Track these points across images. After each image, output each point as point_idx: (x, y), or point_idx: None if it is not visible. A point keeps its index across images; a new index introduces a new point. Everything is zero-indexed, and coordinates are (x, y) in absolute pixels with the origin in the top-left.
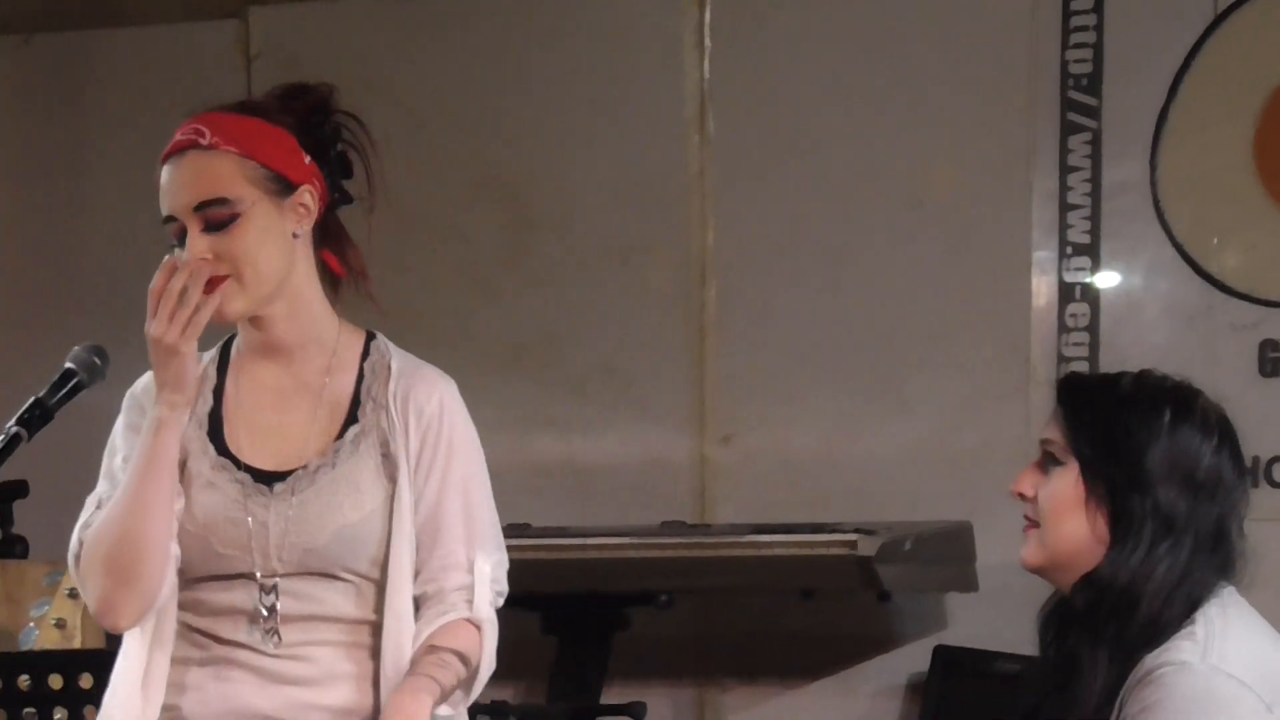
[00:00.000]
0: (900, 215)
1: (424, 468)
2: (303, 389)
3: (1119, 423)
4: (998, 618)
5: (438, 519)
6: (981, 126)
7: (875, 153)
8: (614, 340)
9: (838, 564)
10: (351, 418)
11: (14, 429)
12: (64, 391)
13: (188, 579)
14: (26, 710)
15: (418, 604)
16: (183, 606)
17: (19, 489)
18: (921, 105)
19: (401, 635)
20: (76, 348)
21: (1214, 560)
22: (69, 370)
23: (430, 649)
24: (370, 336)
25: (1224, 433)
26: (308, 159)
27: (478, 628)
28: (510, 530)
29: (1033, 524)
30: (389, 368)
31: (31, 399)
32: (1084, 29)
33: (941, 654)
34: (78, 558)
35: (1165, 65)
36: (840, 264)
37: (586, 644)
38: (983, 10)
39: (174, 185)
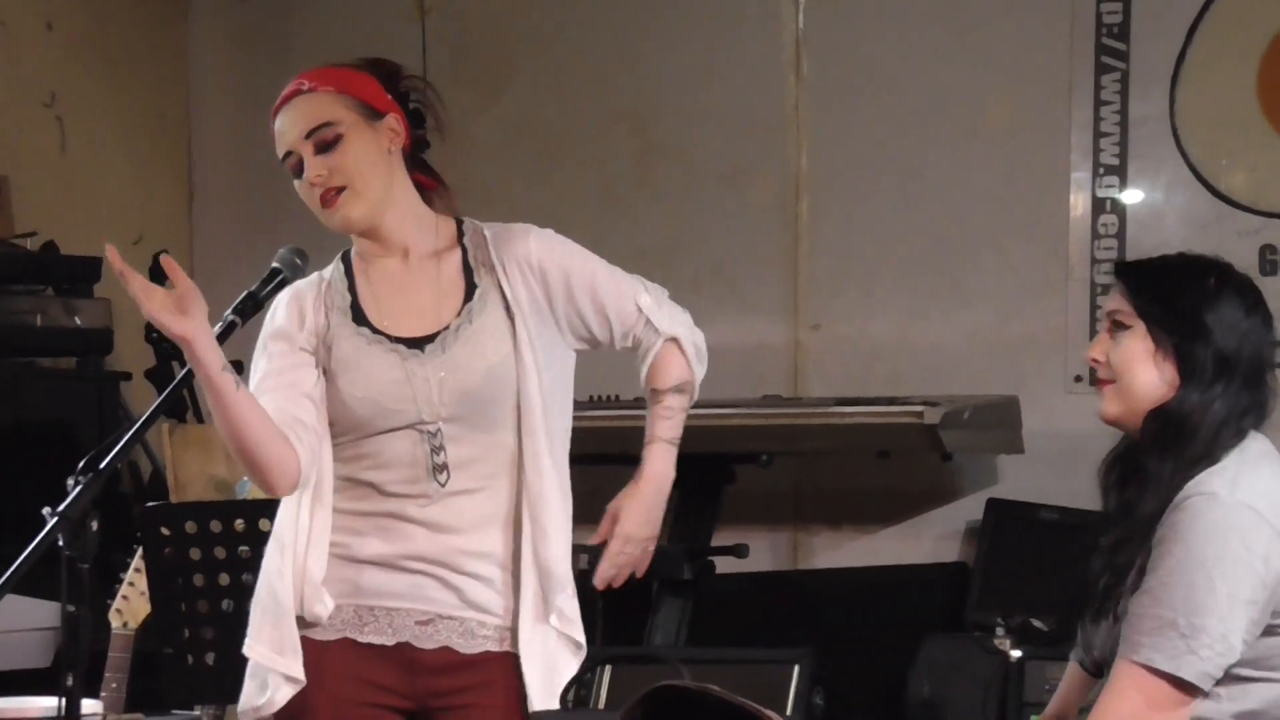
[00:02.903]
0: (962, 141)
1: (558, 290)
2: (421, 271)
3: (1177, 286)
4: (1040, 474)
5: (596, 299)
6: (1030, 68)
7: (941, 90)
8: (722, 246)
9: (908, 430)
10: (470, 283)
11: (231, 317)
12: (271, 286)
13: (357, 438)
14: (241, 548)
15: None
16: (348, 461)
17: (236, 367)
18: (980, 50)
19: (541, 478)
20: (282, 249)
21: (1255, 399)
22: (275, 268)
23: (654, 397)
24: (460, 220)
25: (1256, 295)
26: (389, 97)
27: (675, 342)
28: (636, 402)
29: (1107, 382)
30: (483, 235)
31: (245, 292)
32: None
33: (993, 505)
34: None
35: (1183, 16)
36: (912, 182)
37: (701, 496)
38: None
39: (287, 125)
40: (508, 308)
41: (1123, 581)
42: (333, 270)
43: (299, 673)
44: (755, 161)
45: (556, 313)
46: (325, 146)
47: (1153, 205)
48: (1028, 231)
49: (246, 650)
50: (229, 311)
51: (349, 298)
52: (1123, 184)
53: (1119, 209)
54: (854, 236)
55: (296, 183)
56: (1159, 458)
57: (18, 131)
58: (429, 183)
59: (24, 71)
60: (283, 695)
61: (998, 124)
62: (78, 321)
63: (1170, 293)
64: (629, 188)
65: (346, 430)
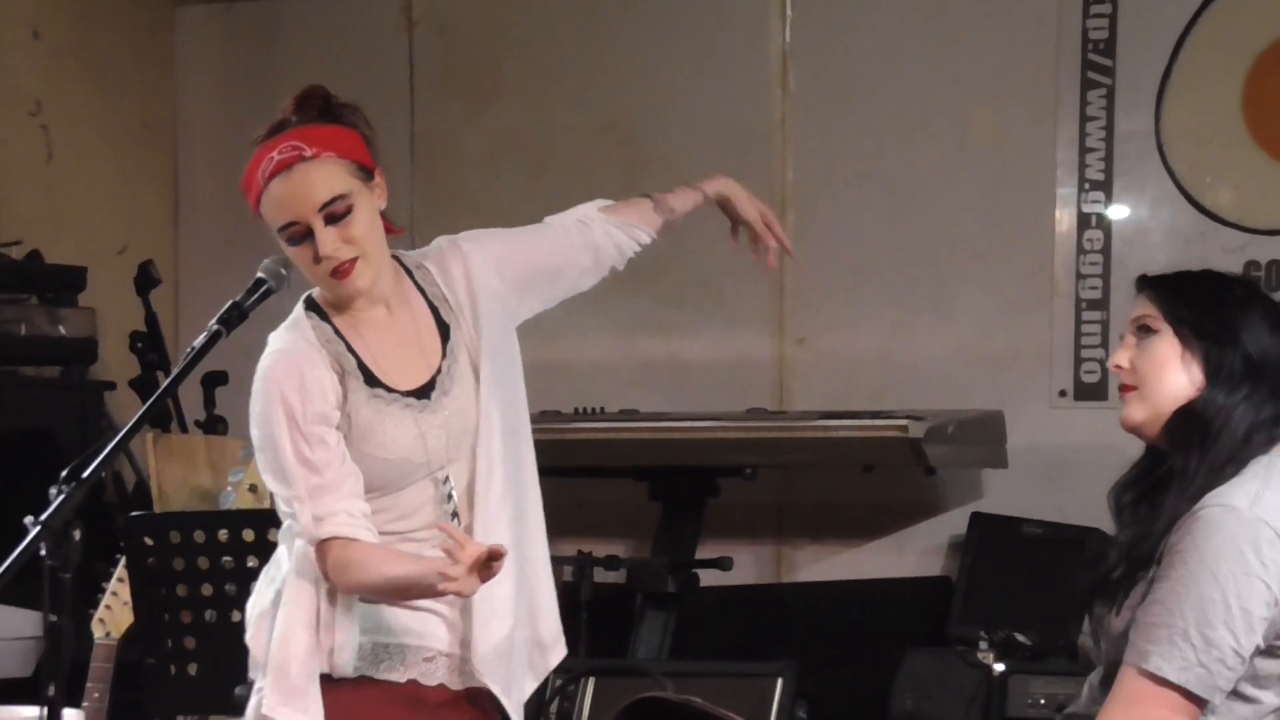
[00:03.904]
0: (947, 156)
1: (508, 271)
2: (401, 319)
3: (1206, 292)
4: (1024, 489)
5: (539, 252)
6: (1015, 83)
7: (927, 104)
8: (708, 259)
9: (892, 444)
10: (442, 324)
11: (215, 327)
12: (256, 296)
13: (379, 495)
14: (224, 558)
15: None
16: (374, 512)
17: (221, 378)
18: (966, 66)
19: (489, 520)
20: (266, 260)
21: (1277, 408)
22: (260, 278)
23: (659, 212)
24: (396, 257)
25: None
26: (369, 152)
27: (598, 213)
28: (621, 414)
29: (1130, 388)
30: (429, 271)
31: (230, 302)
32: (1102, 1)
33: (977, 519)
34: (320, 550)
35: (1169, 33)
36: (897, 196)
37: (685, 508)
38: None
39: (293, 195)
40: (467, 345)
41: (1136, 575)
42: (314, 329)
43: None
44: (741, 174)
45: (523, 291)
46: (336, 218)
47: (1138, 221)
48: (1013, 246)
49: (269, 710)
50: (214, 321)
51: (353, 359)
52: (1108, 200)
53: (1104, 224)
54: (839, 250)
55: (293, 249)
56: (1185, 455)
57: (3, 140)
58: (397, 230)
59: (10, 80)
60: None
61: (983, 139)
62: (62, 330)
63: (1200, 298)
64: (615, 199)
65: (371, 489)
